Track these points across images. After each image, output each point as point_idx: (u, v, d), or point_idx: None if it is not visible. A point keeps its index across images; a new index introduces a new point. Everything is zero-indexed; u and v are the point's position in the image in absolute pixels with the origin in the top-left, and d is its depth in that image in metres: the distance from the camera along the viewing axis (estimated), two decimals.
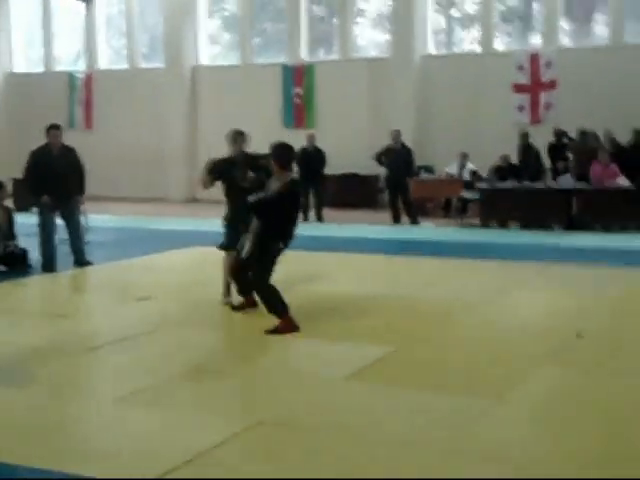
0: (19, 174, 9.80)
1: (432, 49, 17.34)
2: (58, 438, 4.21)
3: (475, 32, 17.72)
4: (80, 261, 9.53)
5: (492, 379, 5.21)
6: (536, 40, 16.91)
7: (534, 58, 15.99)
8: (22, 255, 9.15)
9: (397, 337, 6.24)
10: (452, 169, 15.24)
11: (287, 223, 6.63)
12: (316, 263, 9.96)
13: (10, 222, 9.32)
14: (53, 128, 9.37)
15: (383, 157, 14.22)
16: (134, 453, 4.03)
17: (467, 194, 14.31)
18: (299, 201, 6.99)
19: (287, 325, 6.29)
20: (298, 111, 17.95)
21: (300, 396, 4.86)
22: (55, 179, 9.04)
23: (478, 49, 17.13)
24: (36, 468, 3.78)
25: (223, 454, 3.96)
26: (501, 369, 5.42)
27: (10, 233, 9.26)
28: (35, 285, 8.88)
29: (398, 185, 14.05)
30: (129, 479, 3.66)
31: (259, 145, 19.70)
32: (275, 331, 6.25)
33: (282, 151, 6.70)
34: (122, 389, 4.99)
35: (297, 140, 15.29)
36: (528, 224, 13.24)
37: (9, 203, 10.47)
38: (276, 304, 6.36)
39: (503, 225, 13.53)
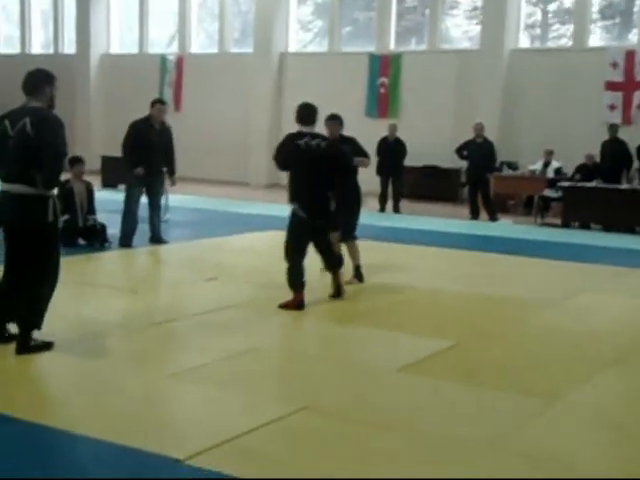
0: (109, 151, 10.09)
1: (524, 43, 16.95)
2: (111, 409, 4.34)
3: (571, 27, 17.23)
4: (156, 238, 9.76)
5: (552, 380, 5.09)
6: (634, 37, 16.31)
7: (630, 55, 15.40)
8: (101, 230, 9.41)
9: (459, 332, 6.17)
10: (536, 166, 14.90)
11: (297, 184, 6.85)
12: (389, 254, 9.93)
13: (90, 197, 9.58)
14: (159, 102, 9.63)
15: (465, 151, 14.03)
16: (177, 429, 4.12)
17: (550, 192, 13.96)
18: (314, 162, 6.75)
19: (295, 302, 6.61)
20: (382, 101, 17.85)
21: (350, 385, 4.85)
22: (152, 153, 9.26)
23: (571, 44, 16.65)
24: (91, 437, 3.91)
25: (263, 436, 3.98)
26: (562, 370, 5.29)
27: (90, 207, 9.52)
28: (110, 259, 9.13)
29: (479, 180, 13.83)
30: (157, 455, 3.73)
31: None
32: (285, 305, 6.60)
33: (300, 109, 7.25)
34: (178, 366, 5.10)
35: (379, 130, 15.33)
36: (611, 226, 12.83)
37: (97, 180, 10.76)
38: (294, 278, 6.66)
39: (585, 226, 13.15)
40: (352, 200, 7.78)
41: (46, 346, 5.21)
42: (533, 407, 4.57)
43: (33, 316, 5.17)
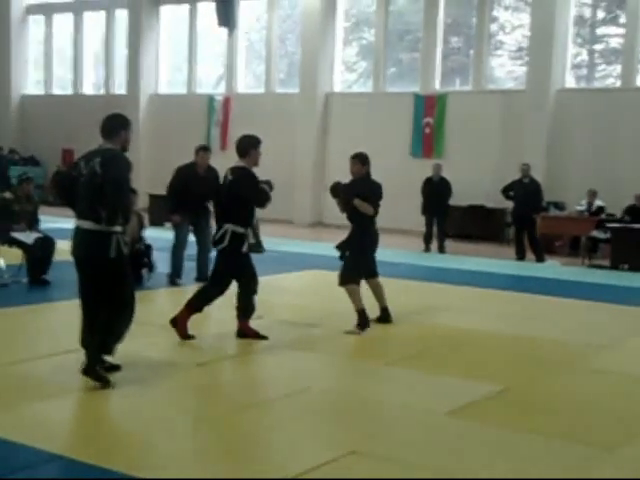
0: (156, 190, 10.28)
1: (570, 83, 16.90)
2: (157, 447, 4.36)
3: (618, 67, 17.13)
4: (203, 277, 9.84)
5: (605, 429, 4.98)
6: None
7: None
8: (146, 252, 9.60)
9: (507, 375, 6.09)
10: (582, 206, 14.75)
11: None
12: (434, 295, 9.88)
13: (140, 226, 9.85)
14: (203, 150, 9.72)
15: (511, 191, 13.96)
16: (224, 471, 4.12)
17: (598, 233, 13.79)
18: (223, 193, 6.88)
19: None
20: (427, 141, 17.90)
21: (398, 429, 4.81)
22: (196, 197, 9.41)
23: (618, 83, 16.55)
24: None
25: None
26: (616, 419, 5.18)
27: (139, 236, 9.77)
28: (159, 297, 9.24)
29: (525, 220, 13.72)
30: None
31: (385, 172, 19.91)
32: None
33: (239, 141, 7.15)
34: (227, 403, 5.11)
35: (424, 170, 15.35)
36: None
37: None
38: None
39: (634, 268, 12.92)
40: (367, 244, 7.64)
41: (113, 368, 5.37)
42: (587, 457, 4.47)
43: (107, 341, 5.33)
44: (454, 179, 14.88)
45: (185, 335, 6.68)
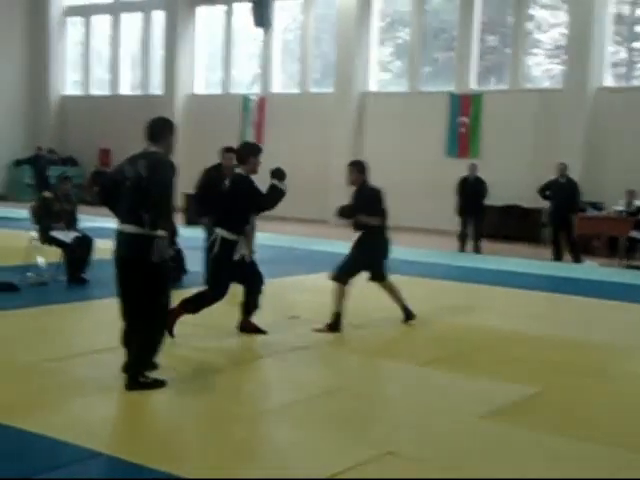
0: (192, 189, 10.33)
1: (608, 81, 16.69)
2: (208, 446, 4.41)
3: None
4: None
5: None
6: None
7: None
8: (177, 257, 9.60)
9: (544, 377, 6.04)
10: (620, 206, 14.56)
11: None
12: (469, 295, 9.84)
13: (172, 232, 9.85)
14: (227, 151, 9.49)
15: (547, 191, 13.83)
16: (264, 469, 4.15)
17: (636, 234, 13.60)
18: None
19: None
20: (462, 140, 17.80)
21: (432, 430, 4.80)
22: (223, 199, 9.38)
23: None
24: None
25: None
26: None
27: (172, 240, 9.78)
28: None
29: (562, 220, 13.59)
30: None
31: (420, 172, 19.72)
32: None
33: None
34: (270, 403, 5.15)
35: (459, 170, 15.27)
36: None
37: (180, 217, 11.04)
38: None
39: None
40: (376, 250, 7.49)
41: (158, 383, 5.29)
42: (622, 460, 4.42)
43: (143, 353, 5.31)
44: (490, 179, 14.78)
45: (170, 331, 6.43)
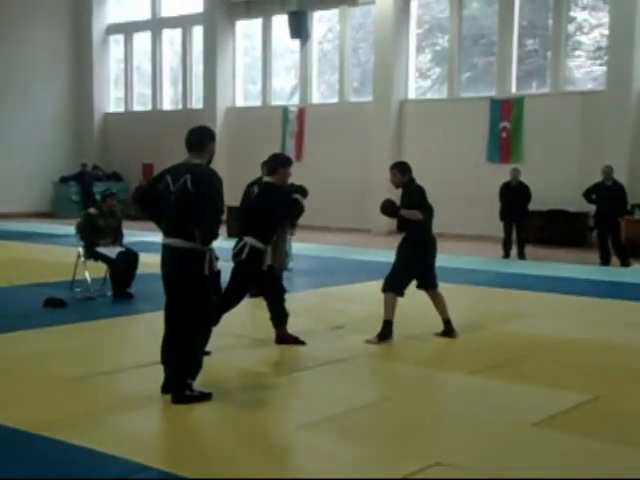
0: (234, 201, 10.36)
1: None
2: (246, 460, 4.40)
3: None
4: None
5: None
6: None
7: None
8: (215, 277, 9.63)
9: (597, 385, 5.92)
10: None
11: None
12: (515, 302, 9.71)
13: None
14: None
15: (593, 194, 13.61)
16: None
17: None
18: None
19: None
20: (504, 145, 17.62)
21: (483, 439, 4.72)
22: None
23: None
24: None
25: None
26: None
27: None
28: (238, 308, 9.32)
29: (608, 224, 13.35)
30: None
31: (462, 178, 19.62)
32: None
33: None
34: (309, 416, 5.13)
35: (501, 175, 15.12)
36: None
37: (222, 229, 11.10)
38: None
39: None
40: (423, 251, 7.27)
41: (204, 397, 5.28)
42: None
43: (188, 367, 5.30)
44: (533, 183, 14.60)
45: None
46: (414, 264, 7.22)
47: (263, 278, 6.86)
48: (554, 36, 17.47)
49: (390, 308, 7.22)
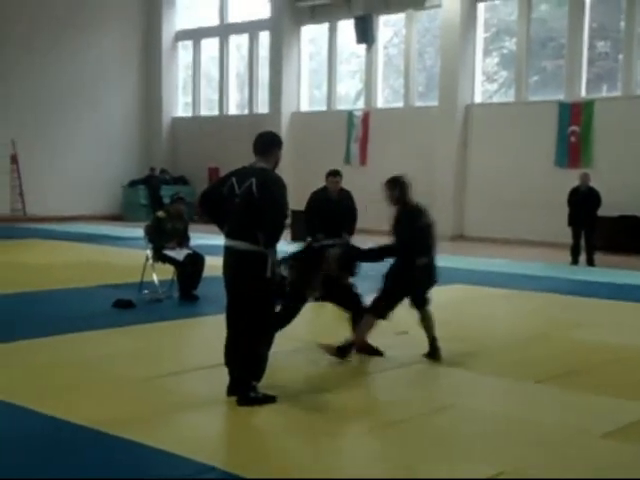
0: (298, 206, 10.43)
1: None
2: (316, 460, 4.41)
3: None
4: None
5: None
6: None
7: None
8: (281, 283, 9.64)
9: None
10: None
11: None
12: (583, 310, 9.51)
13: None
14: (332, 175, 9.38)
15: None
16: None
17: None
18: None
19: None
20: (573, 150, 17.27)
21: (549, 449, 4.63)
22: (330, 221, 9.41)
23: None
24: None
25: None
26: None
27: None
28: (302, 313, 9.36)
29: None
30: None
31: (529, 183, 19.27)
32: None
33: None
34: (378, 420, 5.12)
35: (569, 180, 14.83)
36: None
37: (286, 233, 11.16)
38: None
39: None
40: (413, 280, 6.64)
41: (268, 399, 5.31)
42: None
43: (251, 368, 5.34)
44: (603, 188, 14.27)
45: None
46: (405, 290, 6.65)
47: (330, 284, 6.73)
48: (626, 38, 17.07)
49: (365, 331, 6.60)
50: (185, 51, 25.88)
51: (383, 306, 6.61)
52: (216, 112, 24.90)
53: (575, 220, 13.93)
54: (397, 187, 6.68)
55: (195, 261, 9.63)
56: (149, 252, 9.86)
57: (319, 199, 9.53)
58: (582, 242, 13.93)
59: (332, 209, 9.36)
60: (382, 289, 6.64)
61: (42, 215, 22.27)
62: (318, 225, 9.28)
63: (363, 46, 20.71)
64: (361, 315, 6.78)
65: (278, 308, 6.38)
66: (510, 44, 19.40)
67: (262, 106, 23.43)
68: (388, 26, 21.23)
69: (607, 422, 5.10)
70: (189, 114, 25.78)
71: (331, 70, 21.98)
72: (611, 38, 18.22)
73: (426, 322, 6.80)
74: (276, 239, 5.30)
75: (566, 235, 14.25)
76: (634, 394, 5.78)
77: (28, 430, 4.82)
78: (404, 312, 8.99)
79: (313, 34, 22.62)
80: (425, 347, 6.98)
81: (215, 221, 5.59)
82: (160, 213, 10.07)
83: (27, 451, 4.48)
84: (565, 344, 7.48)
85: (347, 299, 6.89)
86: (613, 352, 7.18)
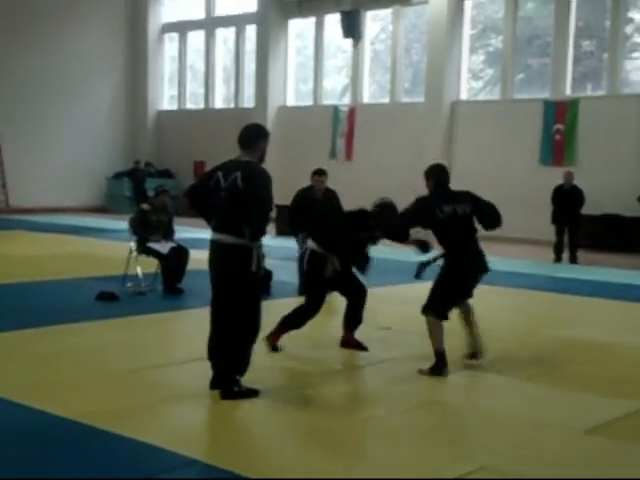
0: (282, 200, 10.41)
1: None
2: (299, 454, 4.42)
3: None
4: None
5: None
6: None
7: None
8: (266, 278, 9.58)
9: None
10: None
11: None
12: (566, 307, 9.58)
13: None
14: (317, 174, 9.44)
15: None
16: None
17: None
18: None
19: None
20: (557, 148, 17.36)
21: (531, 445, 4.65)
22: (314, 219, 9.42)
23: None
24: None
25: None
26: None
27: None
28: (285, 306, 9.36)
29: None
30: None
31: (513, 181, 19.37)
32: None
33: None
34: (362, 415, 5.13)
35: (553, 178, 14.90)
36: None
37: (271, 228, 11.15)
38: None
39: None
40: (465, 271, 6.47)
41: (252, 393, 5.31)
42: None
43: (235, 363, 5.34)
44: (587, 187, 14.36)
45: (274, 347, 6.58)
46: (458, 284, 6.47)
47: (340, 277, 6.69)
48: (611, 37, 17.16)
49: (437, 335, 6.24)
50: (171, 44, 25.76)
51: (443, 304, 6.29)
52: (202, 105, 24.82)
53: (559, 218, 14.01)
54: (428, 178, 6.80)
55: (179, 254, 9.60)
56: (133, 244, 9.83)
57: (304, 198, 9.52)
58: (565, 240, 14.01)
59: (317, 209, 9.37)
60: (440, 283, 6.33)
61: (26, 207, 22.14)
62: (302, 223, 9.30)
63: (350, 41, 20.69)
64: (356, 314, 6.82)
65: (303, 300, 6.58)
66: (496, 42, 19.47)
67: (248, 100, 23.38)
68: (375, 21, 21.23)
69: (590, 418, 5.13)
70: (175, 107, 25.69)
71: (318, 65, 21.96)
72: (596, 37, 18.32)
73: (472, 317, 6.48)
74: (262, 232, 5.30)
75: (549, 233, 14.32)
76: (617, 391, 5.82)
77: (11, 423, 4.79)
78: (389, 308, 9.02)
79: (300, 28, 22.58)
80: (408, 343, 7.00)
81: (203, 215, 5.58)
82: (144, 205, 10.03)
83: (11, 445, 4.44)
84: (548, 341, 7.53)
85: (353, 290, 6.88)
86: (596, 349, 7.23)
